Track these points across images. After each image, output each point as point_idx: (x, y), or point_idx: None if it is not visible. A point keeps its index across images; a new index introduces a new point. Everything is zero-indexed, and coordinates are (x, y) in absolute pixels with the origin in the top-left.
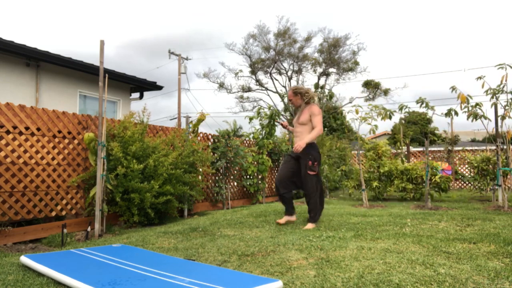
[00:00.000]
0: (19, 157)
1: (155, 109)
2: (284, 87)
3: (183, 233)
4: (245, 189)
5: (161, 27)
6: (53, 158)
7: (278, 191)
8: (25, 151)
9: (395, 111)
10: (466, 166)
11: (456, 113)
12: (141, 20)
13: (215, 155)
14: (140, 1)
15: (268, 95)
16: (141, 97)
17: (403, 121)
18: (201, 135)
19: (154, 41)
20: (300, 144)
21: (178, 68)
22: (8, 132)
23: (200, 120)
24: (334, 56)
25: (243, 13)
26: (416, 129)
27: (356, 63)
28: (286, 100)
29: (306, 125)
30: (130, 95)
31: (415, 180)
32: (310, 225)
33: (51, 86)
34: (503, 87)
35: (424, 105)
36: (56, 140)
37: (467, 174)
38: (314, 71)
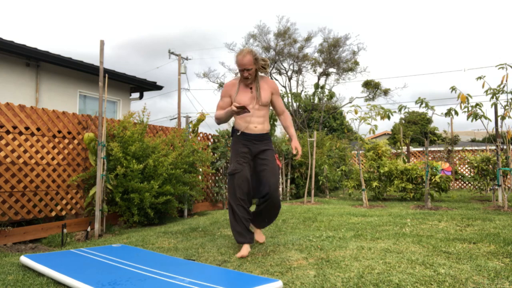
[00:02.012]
0: (19, 157)
1: (154, 109)
2: (284, 87)
3: (183, 233)
4: None
5: (159, 27)
6: (53, 158)
7: (240, 214)
8: (25, 151)
9: (394, 111)
10: (466, 166)
11: (456, 113)
12: (138, 20)
13: (215, 155)
14: (138, 1)
15: None
16: (141, 97)
17: (403, 121)
18: (201, 135)
19: (151, 41)
20: (298, 145)
21: (178, 68)
22: (8, 132)
23: (200, 120)
24: (334, 56)
25: (243, 13)
26: (416, 129)
27: (356, 63)
28: (286, 99)
29: (266, 107)
30: (130, 95)
31: (415, 180)
32: (262, 237)
33: (51, 86)
34: (503, 87)
35: (423, 105)
36: (56, 140)
37: (467, 174)
38: (314, 71)
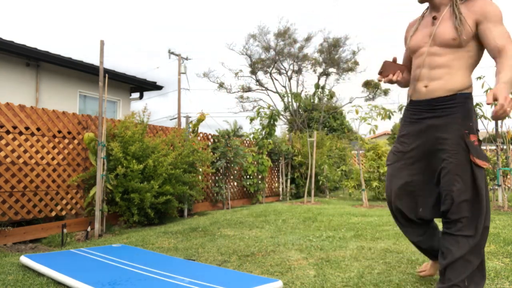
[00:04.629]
0: (19, 157)
1: (154, 109)
2: (284, 87)
3: (183, 233)
4: (245, 189)
5: (159, 27)
6: (53, 158)
7: (408, 230)
8: (25, 151)
9: (394, 111)
10: None
11: None
12: (138, 20)
13: (215, 155)
14: (138, 1)
15: (268, 95)
16: (141, 97)
17: None
18: (201, 135)
19: (151, 41)
20: (502, 94)
21: (178, 68)
22: (8, 132)
23: (200, 120)
24: (334, 56)
25: (243, 13)
26: None
27: (356, 63)
28: (286, 100)
29: (454, 50)
30: (130, 95)
31: None
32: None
33: (51, 86)
34: None
35: None
36: (56, 140)
37: None
38: (314, 71)
